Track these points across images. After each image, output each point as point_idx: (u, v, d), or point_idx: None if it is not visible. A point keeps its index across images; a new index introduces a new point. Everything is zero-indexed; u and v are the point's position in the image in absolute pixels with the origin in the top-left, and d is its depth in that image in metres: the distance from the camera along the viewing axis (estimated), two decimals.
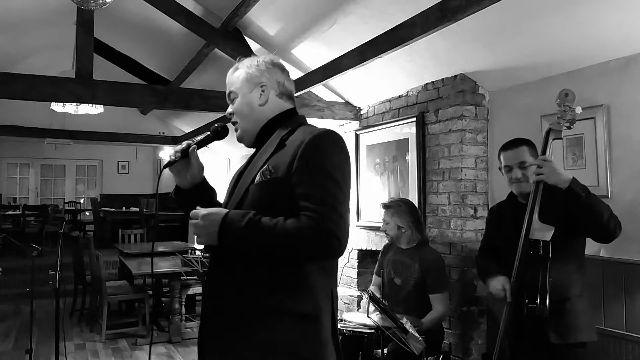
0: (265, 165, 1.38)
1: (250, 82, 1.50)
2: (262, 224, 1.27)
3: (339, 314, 3.53)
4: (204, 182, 1.59)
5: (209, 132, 1.54)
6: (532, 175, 2.17)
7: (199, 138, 1.55)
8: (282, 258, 1.31)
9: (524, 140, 2.38)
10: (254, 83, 1.50)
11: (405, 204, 3.22)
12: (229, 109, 1.54)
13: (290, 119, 1.51)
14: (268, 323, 1.32)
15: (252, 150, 1.55)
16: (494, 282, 2.27)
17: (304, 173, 1.31)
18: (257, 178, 1.39)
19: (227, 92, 1.54)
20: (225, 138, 1.55)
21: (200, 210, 1.35)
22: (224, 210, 1.34)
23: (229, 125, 1.57)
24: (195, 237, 1.36)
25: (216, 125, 1.55)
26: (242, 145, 1.57)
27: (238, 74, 1.53)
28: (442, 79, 3.65)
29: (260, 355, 1.31)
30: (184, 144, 1.53)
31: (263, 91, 1.50)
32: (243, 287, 1.35)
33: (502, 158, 2.40)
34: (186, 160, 1.52)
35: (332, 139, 1.37)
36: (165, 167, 1.53)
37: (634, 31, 2.51)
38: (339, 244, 1.26)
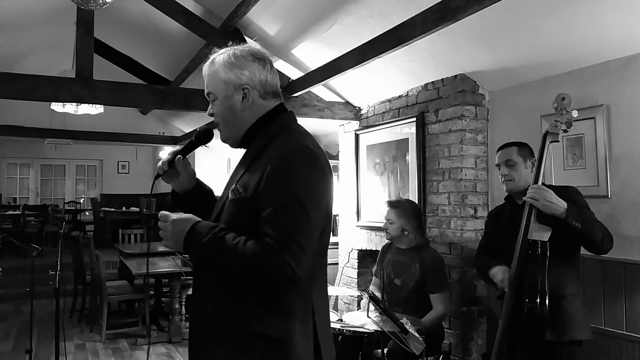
0: (234, 184, 1.34)
1: (230, 85, 1.38)
2: (224, 242, 1.23)
3: (338, 314, 3.52)
4: (196, 187, 1.55)
5: (192, 138, 1.49)
6: (521, 179, 2.31)
7: (183, 144, 1.52)
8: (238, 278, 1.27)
9: (517, 142, 2.45)
10: (234, 86, 1.38)
11: (413, 207, 3.22)
12: (210, 109, 1.44)
13: (274, 121, 1.40)
14: (236, 344, 1.28)
15: None
16: (495, 270, 2.30)
17: (269, 196, 1.25)
18: (229, 195, 1.35)
19: (205, 91, 1.44)
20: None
21: (171, 215, 1.32)
22: (194, 220, 1.31)
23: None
24: (163, 239, 1.34)
25: (198, 129, 1.48)
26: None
27: (215, 72, 1.40)
28: (442, 79, 3.65)
29: None
30: (170, 154, 1.48)
31: (245, 94, 1.38)
32: (215, 303, 1.32)
33: (495, 157, 2.49)
34: (174, 170, 1.49)
35: (302, 158, 1.27)
36: (155, 178, 1.51)
37: (634, 31, 2.51)
38: (293, 274, 1.19)
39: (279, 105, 1.44)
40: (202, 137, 1.46)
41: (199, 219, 1.32)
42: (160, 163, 1.49)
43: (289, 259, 1.18)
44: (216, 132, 1.50)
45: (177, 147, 1.51)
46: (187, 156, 1.52)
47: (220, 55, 1.42)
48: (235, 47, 1.43)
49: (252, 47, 1.44)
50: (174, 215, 1.32)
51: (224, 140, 1.46)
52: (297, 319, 1.29)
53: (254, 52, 1.42)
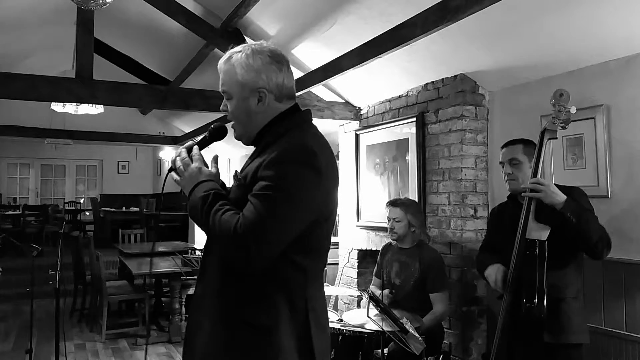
0: (234, 172, 1.41)
1: (246, 88, 1.36)
2: (213, 203, 1.30)
3: (338, 314, 3.51)
4: None
5: (206, 134, 1.50)
6: (525, 179, 2.22)
7: (199, 139, 1.53)
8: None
9: (522, 139, 2.40)
10: (250, 89, 1.36)
11: (415, 203, 3.28)
12: (223, 106, 1.43)
13: (284, 121, 1.40)
14: (225, 330, 1.31)
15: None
16: (489, 270, 2.30)
17: (259, 183, 1.27)
18: (233, 181, 1.41)
19: (220, 88, 1.42)
20: (226, 138, 1.52)
21: (197, 163, 1.41)
22: (211, 177, 1.40)
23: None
24: (178, 175, 1.43)
25: (212, 126, 1.49)
26: (242, 145, 1.54)
27: (232, 72, 1.38)
28: (442, 79, 3.65)
29: None
30: (186, 146, 1.50)
31: (261, 98, 1.37)
32: (211, 292, 1.37)
33: (500, 155, 2.45)
34: None
35: (299, 155, 1.28)
36: (168, 172, 1.52)
37: (634, 31, 2.51)
38: (246, 260, 1.21)
39: (293, 105, 1.44)
40: (215, 134, 1.49)
41: (217, 178, 1.42)
42: (173, 158, 1.50)
43: (250, 241, 1.21)
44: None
45: (190, 142, 1.51)
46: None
47: (237, 54, 1.39)
48: (253, 45, 1.40)
49: (271, 46, 1.40)
50: (200, 164, 1.41)
51: (237, 137, 1.48)
52: (287, 310, 1.31)
53: (273, 52, 1.39)
